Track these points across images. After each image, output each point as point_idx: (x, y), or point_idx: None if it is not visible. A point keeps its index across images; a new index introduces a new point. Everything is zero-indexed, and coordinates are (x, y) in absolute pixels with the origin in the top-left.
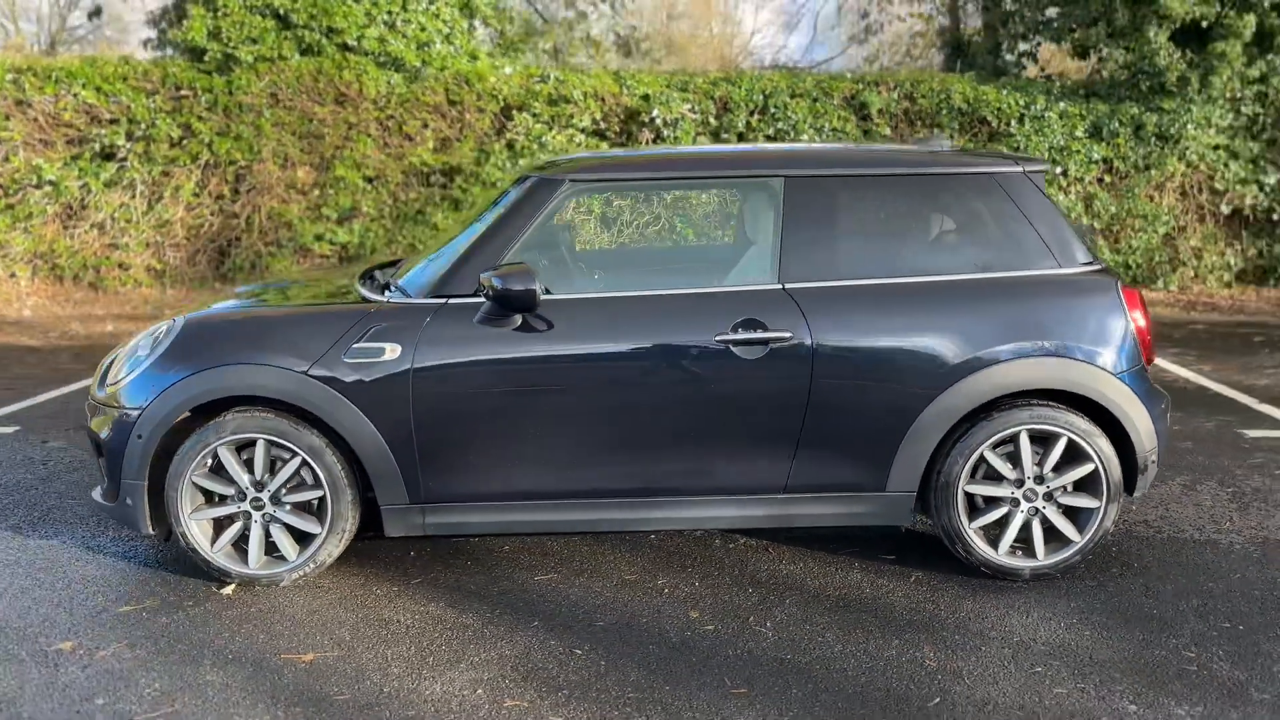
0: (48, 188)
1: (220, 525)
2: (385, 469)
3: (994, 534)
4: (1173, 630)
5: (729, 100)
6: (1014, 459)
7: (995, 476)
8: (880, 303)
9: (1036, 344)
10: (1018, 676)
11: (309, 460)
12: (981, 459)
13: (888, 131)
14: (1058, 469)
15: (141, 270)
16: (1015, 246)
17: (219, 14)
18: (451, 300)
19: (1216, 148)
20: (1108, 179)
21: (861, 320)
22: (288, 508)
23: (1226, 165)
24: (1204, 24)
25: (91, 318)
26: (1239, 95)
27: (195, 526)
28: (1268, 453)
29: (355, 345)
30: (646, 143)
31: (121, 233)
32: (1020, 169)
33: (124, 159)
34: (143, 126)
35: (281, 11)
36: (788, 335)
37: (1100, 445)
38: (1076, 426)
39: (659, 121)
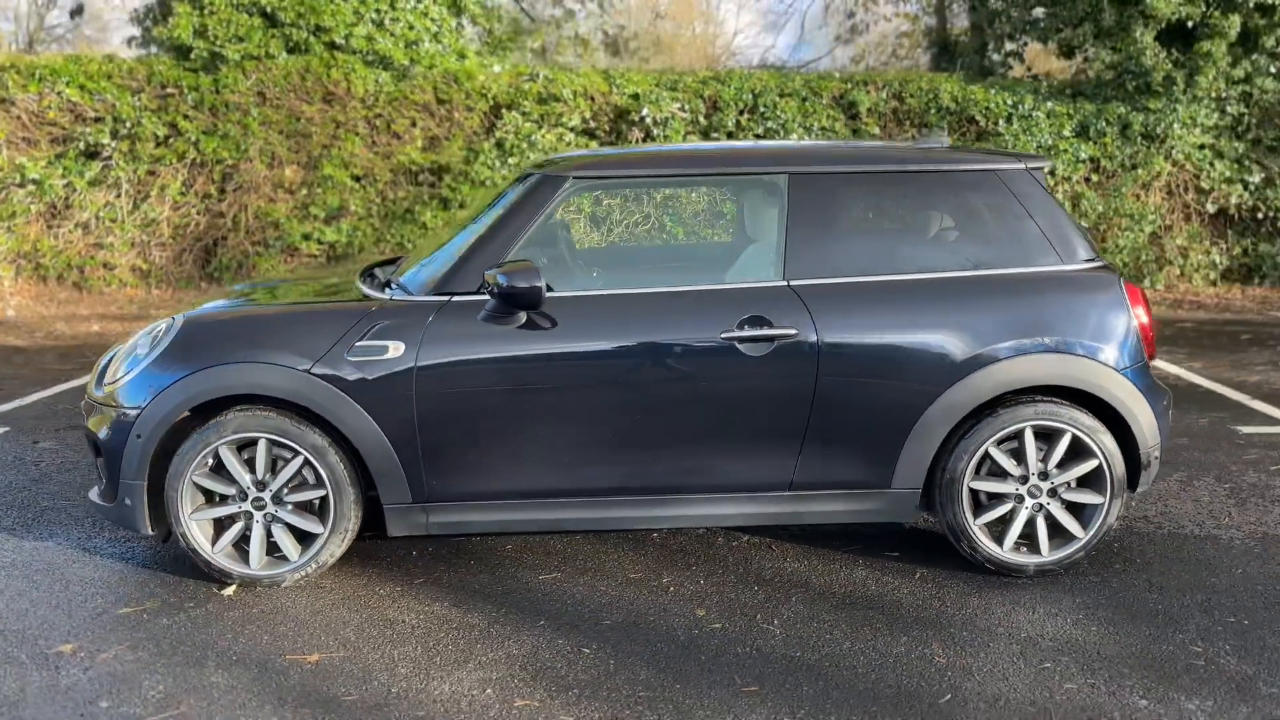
0: (31, 186)
1: (221, 525)
2: (388, 468)
3: (998, 530)
4: (1178, 625)
5: (718, 99)
6: (1018, 455)
7: (999, 473)
8: (885, 299)
9: (1041, 340)
10: (1027, 672)
11: (311, 459)
12: (986, 455)
13: (876, 131)
14: (1062, 465)
15: (126, 270)
16: (1018, 243)
17: (205, 12)
18: (455, 298)
19: (1202, 147)
20: (1095, 178)
21: (866, 317)
22: (289, 507)
23: (1212, 164)
24: (1189, 24)
25: (76, 318)
26: (1224, 95)
27: (196, 527)
28: (1262, 448)
29: (358, 343)
30: (636, 141)
31: (106, 232)
32: (1023, 166)
33: (109, 158)
34: (128, 125)
35: (269, 9)
36: (793, 332)
37: (1104, 441)
38: (1081, 423)
39: (649, 120)
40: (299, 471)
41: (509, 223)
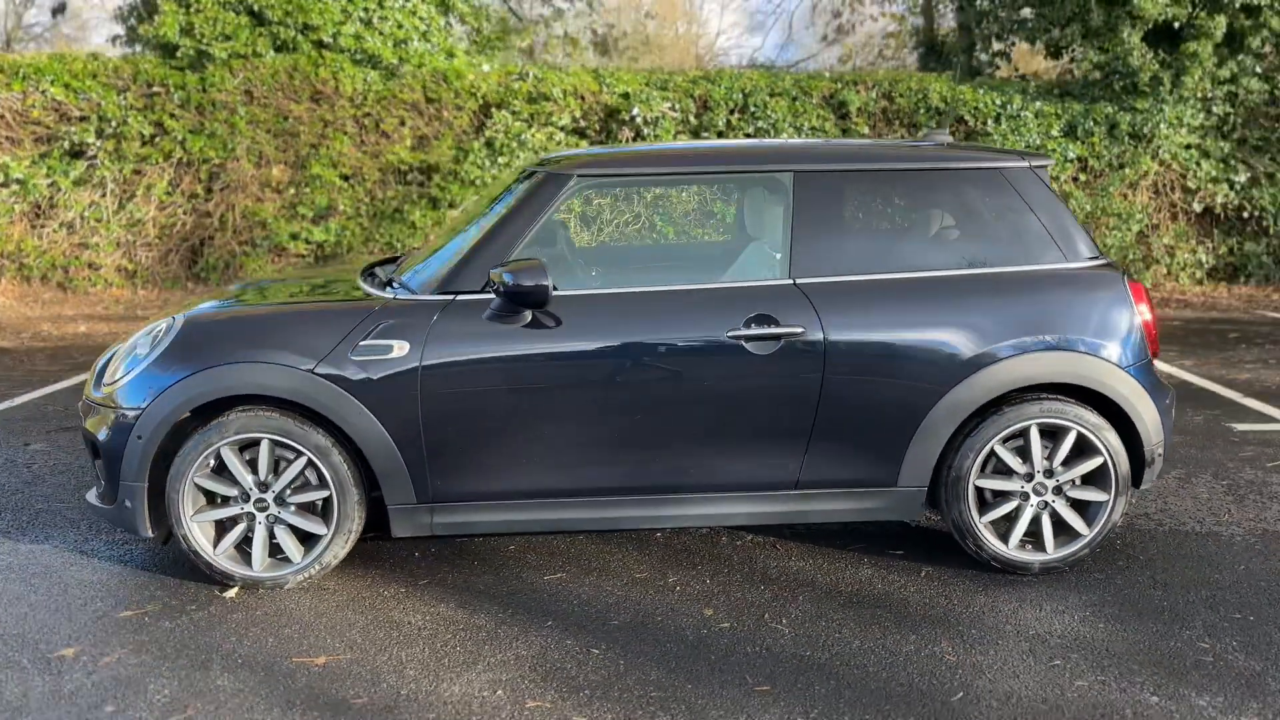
0: (15, 186)
1: (222, 527)
2: (392, 468)
3: (1003, 528)
4: (1185, 622)
5: (709, 99)
6: (1023, 453)
7: (1004, 471)
8: (891, 298)
9: (1046, 338)
10: (1038, 670)
11: (315, 460)
12: (991, 453)
13: (866, 131)
14: (1067, 463)
15: (112, 270)
16: (1022, 241)
17: (191, 10)
18: (460, 296)
19: (1188, 147)
20: (1082, 178)
21: (873, 315)
22: (292, 509)
23: (1198, 164)
24: (1176, 25)
25: (62, 318)
26: (1210, 95)
27: (197, 529)
28: (1257, 445)
29: (362, 343)
30: (626, 141)
31: (91, 232)
32: (1026, 164)
33: (94, 157)
34: (113, 124)
35: (256, 8)
36: (799, 330)
37: (1109, 439)
38: (1086, 420)
39: (639, 120)
40: (302, 472)
41: (513, 221)
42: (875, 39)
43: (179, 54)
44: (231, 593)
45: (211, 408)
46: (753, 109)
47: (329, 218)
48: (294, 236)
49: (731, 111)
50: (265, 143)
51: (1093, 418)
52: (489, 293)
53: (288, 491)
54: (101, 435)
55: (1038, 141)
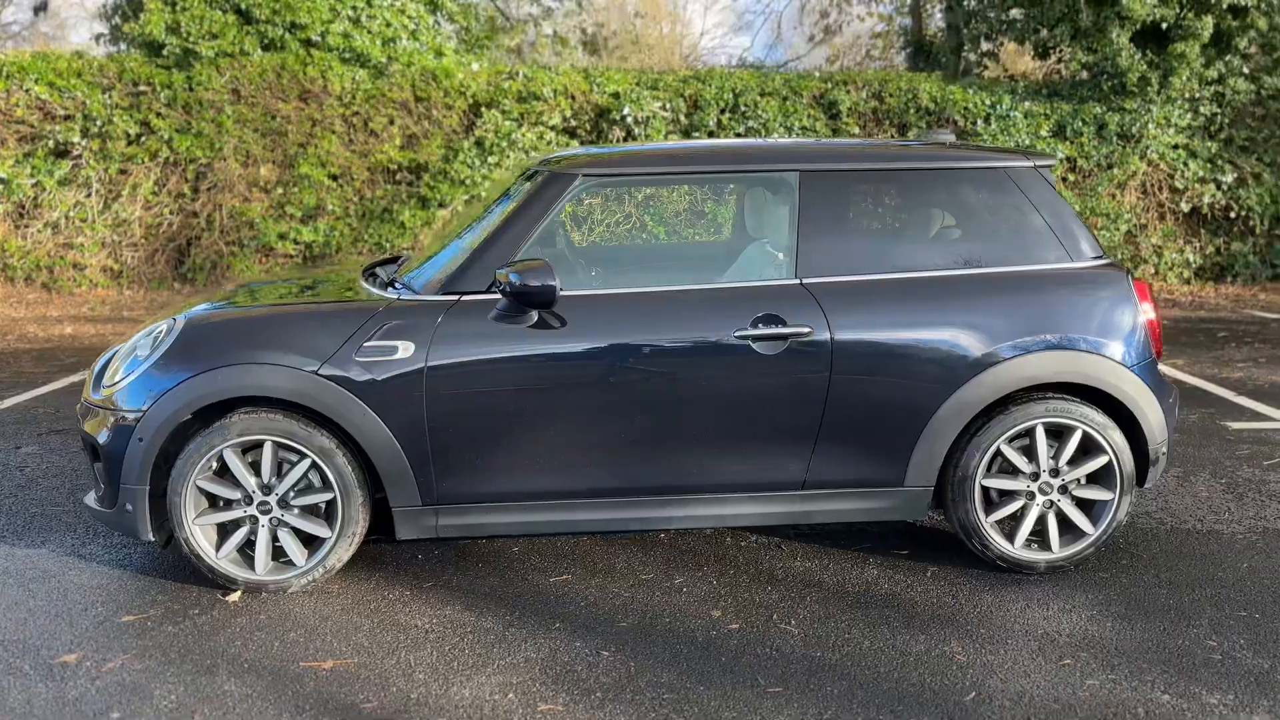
0: None
1: (224, 530)
2: (397, 470)
3: (1008, 528)
4: (1191, 620)
5: (699, 98)
6: (1029, 452)
7: (1010, 470)
8: (897, 297)
9: (1051, 337)
10: (1048, 669)
11: (319, 462)
12: (997, 452)
13: (856, 131)
14: (1072, 462)
15: (97, 271)
16: (1027, 240)
17: (177, 8)
18: (465, 297)
19: (1176, 147)
20: (1071, 178)
21: (879, 315)
22: (296, 511)
23: (1186, 164)
24: (1164, 25)
25: (48, 319)
26: (1197, 95)
27: (199, 532)
28: (1252, 444)
29: (367, 344)
30: (617, 140)
31: (76, 232)
32: (1031, 163)
33: (79, 156)
34: (99, 123)
35: (243, 6)
36: (807, 330)
37: (1114, 438)
38: (1091, 419)
39: (630, 119)
40: (305, 475)
41: (518, 220)
42: (863, 39)
43: (165, 52)
44: (234, 597)
45: (214, 410)
46: (743, 109)
47: (317, 217)
48: (282, 236)
49: (722, 111)
50: (253, 142)
51: (1098, 417)
52: (494, 293)
53: (291, 494)
54: (101, 438)
55: (1027, 141)
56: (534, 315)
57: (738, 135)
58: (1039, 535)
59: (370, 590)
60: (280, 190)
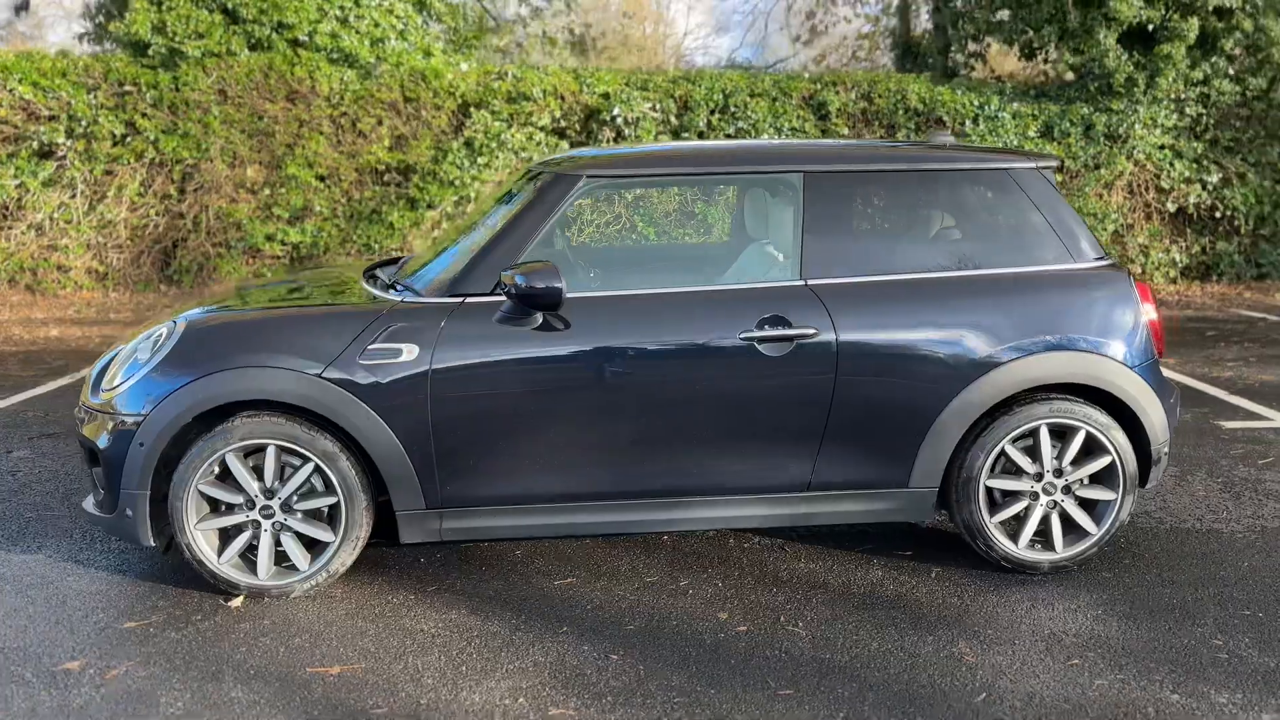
0: None
1: (226, 535)
2: (401, 473)
3: (1012, 528)
4: (1196, 619)
5: (689, 99)
6: (1032, 453)
7: (1014, 471)
8: (903, 298)
9: (1055, 338)
10: (1056, 669)
11: (322, 466)
12: (1001, 453)
13: (846, 131)
14: (1076, 462)
15: (82, 272)
16: (1029, 241)
17: (163, 7)
18: (469, 299)
19: (1162, 147)
20: (1059, 178)
21: (884, 316)
22: (299, 515)
23: (1172, 164)
24: (1150, 27)
25: (32, 322)
26: (1183, 96)
27: (201, 537)
28: (1246, 443)
29: (371, 346)
30: (608, 141)
31: (61, 234)
32: (1033, 164)
33: (63, 157)
34: (84, 124)
35: (229, 6)
36: (812, 331)
37: (1117, 438)
38: (1095, 420)
39: (620, 120)
40: (309, 478)
41: (522, 222)
42: (849, 40)
43: (150, 52)
44: (236, 602)
45: (215, 413)
46: (733, 109)
47: (305, 219)
48: (269, 238)
49: (712, 112)
50: (240, 143)
51: (1101, 417)
52: (499, 295)
53: (294, 498)
54: (101, 442)
55: (1015, 142)
56: (539, 317)
57: (728, 136)
58: (1042, 535)
59: (374, 595)
60: (267, 191)
